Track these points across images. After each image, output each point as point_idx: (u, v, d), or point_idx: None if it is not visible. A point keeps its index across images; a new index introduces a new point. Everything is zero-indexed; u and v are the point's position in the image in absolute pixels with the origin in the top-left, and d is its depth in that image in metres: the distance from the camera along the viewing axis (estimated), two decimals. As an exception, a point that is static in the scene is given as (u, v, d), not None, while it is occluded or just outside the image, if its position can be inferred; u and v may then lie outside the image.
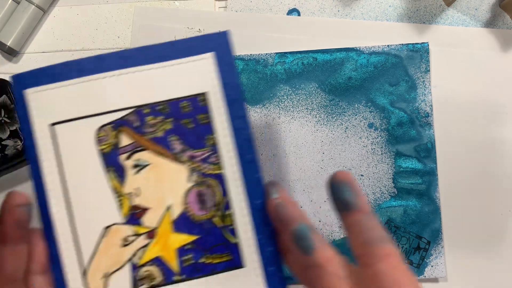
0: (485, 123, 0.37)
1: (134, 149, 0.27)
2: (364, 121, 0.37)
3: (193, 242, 0.27)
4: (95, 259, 0.27)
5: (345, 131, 0.37)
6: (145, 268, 0.27)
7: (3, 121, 0.37)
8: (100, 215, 0.27)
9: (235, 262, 0.27)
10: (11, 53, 0.39)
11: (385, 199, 0.37)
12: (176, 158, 0.27)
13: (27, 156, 0.27)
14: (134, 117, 0.27)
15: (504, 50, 0.38)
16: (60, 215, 0.27)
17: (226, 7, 0.40)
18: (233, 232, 0.27)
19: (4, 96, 0.37)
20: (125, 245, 0.27)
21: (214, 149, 0.27)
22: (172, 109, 0.27)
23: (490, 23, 0.38)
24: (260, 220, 0.27)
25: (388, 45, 0.37)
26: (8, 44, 0.38)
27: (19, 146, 0.36)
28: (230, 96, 0.28)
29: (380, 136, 0.37)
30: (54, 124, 0.27)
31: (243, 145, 0.27)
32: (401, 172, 0.37)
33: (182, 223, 0.27)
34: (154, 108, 0.27)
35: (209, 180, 0.27)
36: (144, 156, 0.27)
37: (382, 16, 0.39)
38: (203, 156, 0.27)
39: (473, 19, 0.38)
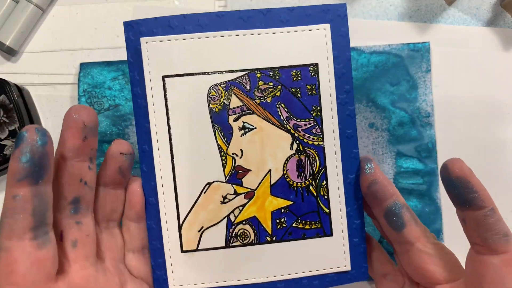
0: (486, 123, 0.37)
1: (243, 112, 0.28)
2: (364, 121, 0.37)
3: (288, 207, 0.28)
4: (193, 212, 0.28)
5: (346, 131, 0.37)
6: (240, 226, 0.28)
7: (1, 121, 0.36)
8: (203, 171, 0.28)
9: (324, 231, 0.28)
10: (10, 53, 0.39)
11: (386, 200, 0.36)
12: (281, 125, 0.28)
13: (134, 105, 0.28)
14: (246, 80, 0.28)
15: (506, 49, 0.38)
16: (163, 166, 0.28)
17: (226, 6, 0.40)
18: (326, 202, 0.28)
19: (3, 95, 0.36)
20: (224, 203, 0.28)
21: (318, 120, 0.28)
22: (283, 76, 0.28)
23: (491, 23, 0.38)
24: (351, 194, 0.28)
25: (389, 45, 0.37)
26: (7, 44, 0.38)
27: (18, 146, 0.36)
28: (339, 69, 0.28)
29: (381, 136, 0.37)
30: (165, 76, 0.27)
31: (345, 120, 0.28)
32: (402, 172, 0.36)
33: (280, 188, 0.28)
34: (266, 73, 0.28)
35: (310, 150, 0.28)
36: (251, 119, 0.28)
37: (383, 15, 0.38)
38: (307, 127, 0.28)
39: (474, 18, 0.38)
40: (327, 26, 0.27)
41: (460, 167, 0.23)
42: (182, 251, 0.28)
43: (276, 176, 0.28)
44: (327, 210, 0.28)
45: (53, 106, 0.39)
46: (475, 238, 0.23)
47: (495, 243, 0.22)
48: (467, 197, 0.22)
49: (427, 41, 0.37)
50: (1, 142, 0.36)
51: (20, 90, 0.38)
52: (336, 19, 0.28)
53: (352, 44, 0.38)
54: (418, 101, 0.37)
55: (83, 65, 0.38)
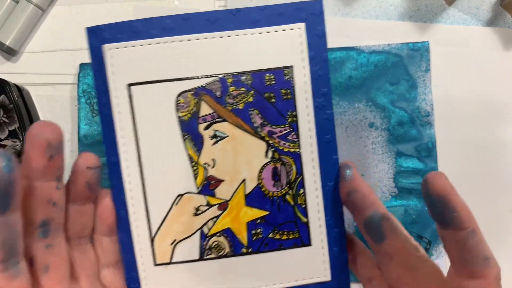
0: (486, 122, 0.37)
1: (214, 120, 0.26)
2: (364, 120, 0.37)
3: (264, 217, 0.27)
4: (165, 225, 0.27)
5: (346, 131, 0.37)
6: (214, 238, 0.27)
7: (1, 121, 0.36)
8: (174, 182, 0.27)
9: (302, 241, 0.27)
10: (10, 53, 0.39)
11: (386, 199, 0.36)
12: (255, 132, 0.26)
13: (100, 115, 0.26)
14: (216, 86, 0.26)
15: (506, 49, 0.38)
16: (132, 178, 0.27)
17: (226, 6, 0.40)
18: (304, 211, 0.27)
19: (3, 95, 0.36)
20: (197, 214, 0.27)
21: (294, 126, 0.27)
22: (255, 80, 0.26)
23: (491, 23, 0.38)
24: (331, 202, 0.27)
25: (388, 44, 0.37)
26: (7, 44, 0.38)
27: (18, 146, 0.36)
28: (315, 71, 0.26)
29: (381, 135, 0.37)
30: (131, 84, 0.26)
31: (323, 124, 0.27)
32: (402, 171, 0.36)
33: (255, 198, 0.27)
34: (238, 78, 0.26)
35: (286, 158, 0.27)
36: (223, 127, 0.26)
37: (382, 15, 0.38)
38: (282, 133, 0.27)
39: (474, 19, 0.38)
40: (302, 25, 0.26)
41: (442, 183, 0.21)
42: (155, 264, 0.27)
43: (250, 186, 0.27)
44: (305, 220, 0.27)
45: (53, 106, 0.39)
46: (454, 259, 0.22)
47: (474, 265, 0.21)
48: (447, 216, 0.21)
49: (427, 40, 0.37)
50: (1, 143, 0.36)
51: (20, 90, 0.38)
52: (311, 17, 0.26)
53: (352, 43, 0.38)
54: (417, 100, 0.37)
55: (82, 66, 0.38)
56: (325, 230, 0.27)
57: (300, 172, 0.27)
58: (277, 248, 0.27)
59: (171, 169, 0.27)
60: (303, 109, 0.26)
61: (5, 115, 0.36)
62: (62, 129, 0.22)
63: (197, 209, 0.27)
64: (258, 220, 0.27)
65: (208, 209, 0.27)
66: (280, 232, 0.27)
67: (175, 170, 0.27)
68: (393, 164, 0.37)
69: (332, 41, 0.38)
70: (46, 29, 0.40)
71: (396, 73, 0.37)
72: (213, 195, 0.27)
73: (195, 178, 0.27)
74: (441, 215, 0.22)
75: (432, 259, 0.35)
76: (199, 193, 0.27)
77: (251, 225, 0.27)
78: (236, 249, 0.27)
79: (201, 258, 0.27)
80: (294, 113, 0.26)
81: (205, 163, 0.27)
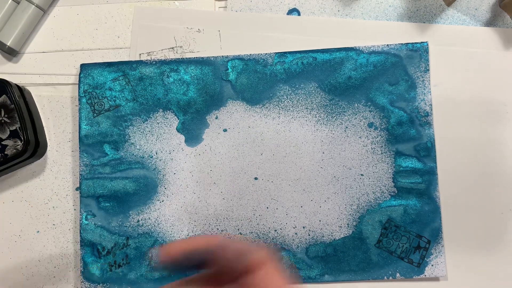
0: (485, 122, 0.37)
1: None
2: (364, 120, 0.37)
3: None
4: None
5: (345, 131, 0.37)
6: None
7: (3, 121, 0.37)
8: None
9: None
10: (11, 53, 0.39)
11: (385, 199, 0.36)
12: None
13: None
14: None
15: (504, 49, 0.38)
16: None
17: (226, 7, 0.40)
18: None
19: (4, 96, 0.37)
20: None
21: None
22: None
23: (490, 23, 0.38)
24: None
25: (387, 45, 0.37)
26: (8, 44, 0.38)
27: (19, 146, 0.36)
28: None
29: (380, 135, 0.37)
30: None
31: None
32: (401, 171, 0.37)
33: None
34: None
35: None
36: None
37: (382, 16, 0.39)
38: None
39: (473, 19, 0.38)
40: None
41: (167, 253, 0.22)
42: None
43: None
44: None
45: (54, 106, 0.40)
46: (228, 263, 0.22)
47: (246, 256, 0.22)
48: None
49: (426, 41, 0.37)
50: (2, 142, 0.36)
51: (21, 90, 0.38)
52: None
53: (351, 44, 0.38)
54: (416, 100, 0.37)
55: (83, 66, 0.38)
56: None
57: None
58: None
59: None
60: None
61: (6, 115, 0.37)
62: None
63: None
64: None
65: None
66: None
67: None
68: (392, 164, 0.37)
69: (332, 42, 0.38)
70: (47, 30, 0.40)
71: (395, 74, 0.37)
72: None
73: None
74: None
75: (431, 258, 0.36)
76: None
77: None
78: None
79: None
80: None
81: None
